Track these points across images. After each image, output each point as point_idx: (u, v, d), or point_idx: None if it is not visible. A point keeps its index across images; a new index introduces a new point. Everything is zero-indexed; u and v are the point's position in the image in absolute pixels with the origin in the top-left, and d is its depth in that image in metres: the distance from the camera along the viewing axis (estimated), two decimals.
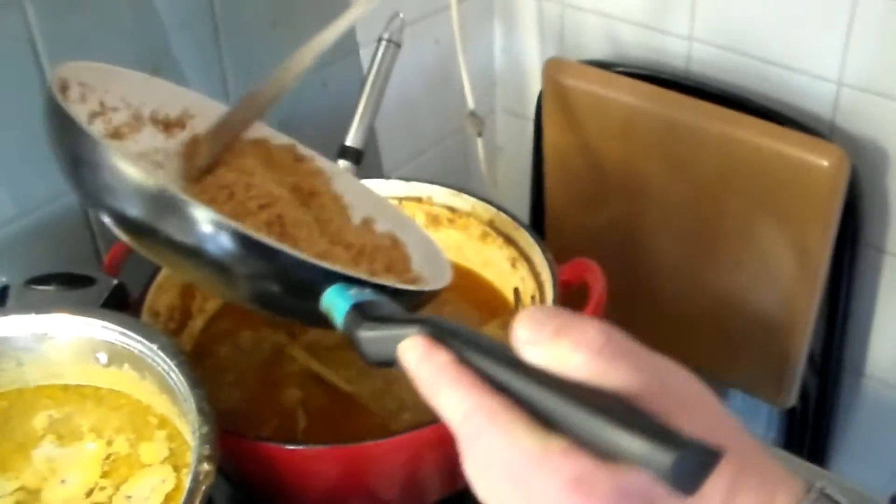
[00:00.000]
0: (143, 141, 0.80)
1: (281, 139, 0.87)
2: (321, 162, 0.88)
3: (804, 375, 1.37)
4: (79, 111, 0.75)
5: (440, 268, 0.82)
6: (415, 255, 0.84)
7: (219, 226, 0.63)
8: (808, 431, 1.44)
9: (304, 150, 0.88)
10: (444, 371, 0.51)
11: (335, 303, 0.62)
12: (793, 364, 1.34)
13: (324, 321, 0.64)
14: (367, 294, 0.62)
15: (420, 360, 0.52)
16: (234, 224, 0.63)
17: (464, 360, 0.51)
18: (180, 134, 0.83)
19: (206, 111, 0.84)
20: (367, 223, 0.86)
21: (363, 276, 0.65)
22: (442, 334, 0.53)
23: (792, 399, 1.38)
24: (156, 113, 0.82)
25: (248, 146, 0.83)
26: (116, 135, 0.79)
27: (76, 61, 0.76)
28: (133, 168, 0.64)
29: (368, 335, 0.57)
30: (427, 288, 0.74)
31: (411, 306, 0.69)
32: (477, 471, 0.49)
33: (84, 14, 0.97)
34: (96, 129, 0.77)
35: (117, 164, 0.64)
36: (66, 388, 0.86)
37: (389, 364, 0.56)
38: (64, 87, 0.74)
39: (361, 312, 0.59)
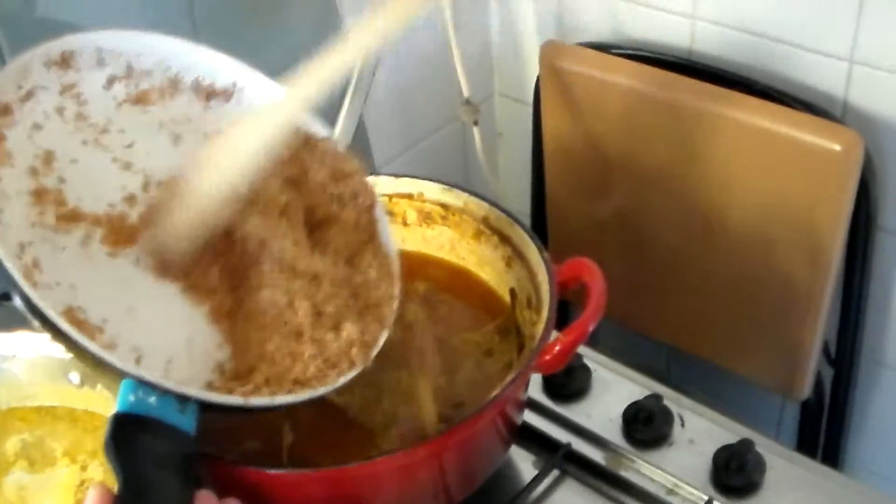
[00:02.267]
0: (174, 108, 0.79)
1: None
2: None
3: (818, 366, 1.33)
4: (91, 77, 0.75)
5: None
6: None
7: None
8: (823, 424, 1.40)
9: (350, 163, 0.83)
10: None
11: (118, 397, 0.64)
12: (806, 354, 1.30)
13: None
14: (145, 403, 0.63)
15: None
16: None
17: None
18: (224, 105, 0.81)
19: (257, 84, 0.82)
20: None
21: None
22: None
23: (806, 391, 1.34)
24: (200, 81, 0.80)
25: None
26: (140, 99, 0.78)
27: (96, 30, 0.76)
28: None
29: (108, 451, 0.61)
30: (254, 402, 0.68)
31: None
32: None
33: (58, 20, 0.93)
34: (114, 92, 0.76)
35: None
36: (39, 409, 0.83)
37: None
38: (67, 59, 0.74)
39: (119, 424, 0.62)
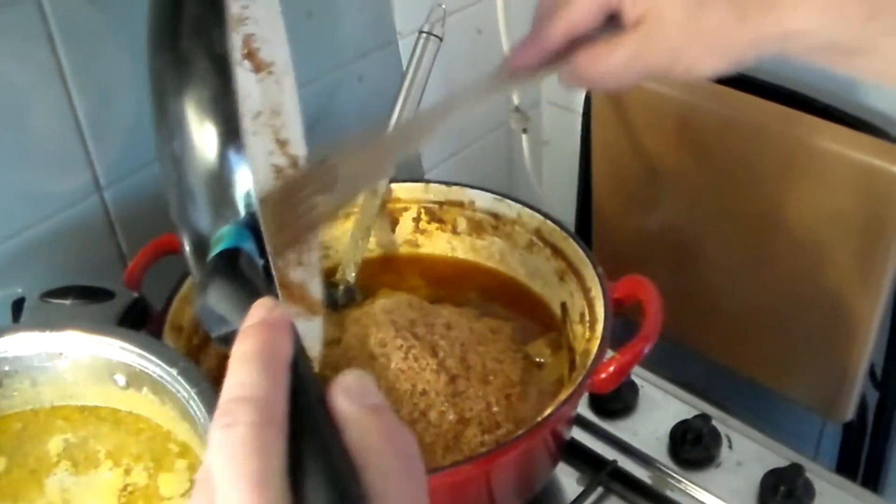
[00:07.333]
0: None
1: None
2: None
3: (863, 389, 1.30)
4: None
5: None
6: None
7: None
8: (865, 448, 1.37)
9: None
10: (269, 349, 0.44)
11: (222, 237, 0.54)
12: (851, 376, 1.27)
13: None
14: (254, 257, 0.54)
15: (262, 324, 0.45)
16: None
17: (291, 367, 0.44)
18: (246, 74, 0.73)
19: (286, 82, 0.74)
20: None
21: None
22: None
23: (849, 413, 1.31)
24: (252, 37, 0.72)
25: None
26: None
27: None
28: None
29: (226, 285, 0.50)
30: None
31: None
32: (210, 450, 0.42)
33: (104, 9, 0.92)
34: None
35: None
36: (82, 409, 0.82)
37: (221, 332, 0.49)
38: None
39: (234, 258, 0.52)
